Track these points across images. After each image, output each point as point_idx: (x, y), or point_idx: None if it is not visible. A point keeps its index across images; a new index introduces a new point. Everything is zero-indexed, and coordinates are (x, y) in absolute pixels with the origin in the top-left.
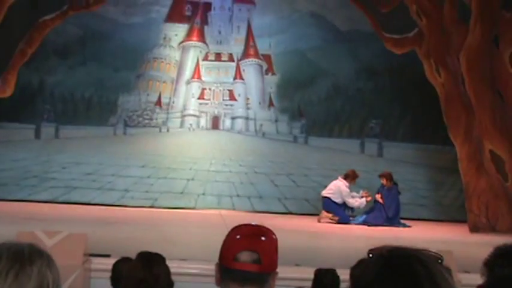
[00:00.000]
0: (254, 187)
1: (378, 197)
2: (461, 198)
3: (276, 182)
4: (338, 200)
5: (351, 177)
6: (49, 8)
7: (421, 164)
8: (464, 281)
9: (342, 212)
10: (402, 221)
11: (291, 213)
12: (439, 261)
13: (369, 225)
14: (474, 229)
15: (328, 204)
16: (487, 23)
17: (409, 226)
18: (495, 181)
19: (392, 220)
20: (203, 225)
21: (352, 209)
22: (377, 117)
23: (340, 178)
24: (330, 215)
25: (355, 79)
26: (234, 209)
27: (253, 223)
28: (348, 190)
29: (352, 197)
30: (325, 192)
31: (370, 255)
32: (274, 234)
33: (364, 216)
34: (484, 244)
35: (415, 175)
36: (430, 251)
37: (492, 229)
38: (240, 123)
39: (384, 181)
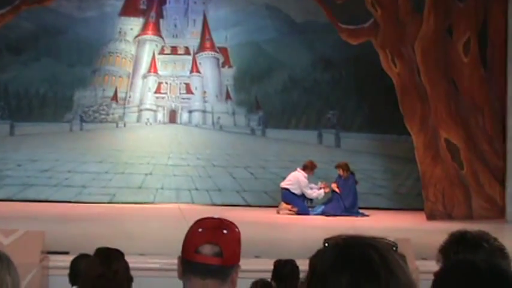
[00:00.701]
0: (212, 180)
1: (334, 186)
2: (418, 187)
3: (234, 174)
4: (297, 191)
5: (309, 168)
6: (0, 2)
7: (378, 154)
8: (422, 267)
9: (300, 203)
10: (360, 211)
11: (249, 205)
12: (394, 248)
13: (327, 216)
14: (431, 217)
15: (287, 196)
16: (440, 13)
17: (367, 215)
18: (451, 169)
19: (350, 210)
20: (162, 220)
21: (310, 200)
22: (334, 108)
23: (298, 169)
24: (289, 206)
25: (312, 70)
26: (192, 203)
27: (215, 216)
28: (306, 181)
29: (311, 188)
30: (283, 184)
31: (326, 244)
32: (236, 227)
33: (322, 207)
34: (441, 231)
35: (372, 165)
36: (384, 239)
37: (448, 216)
38: (197, 117)
39: (340, 171)
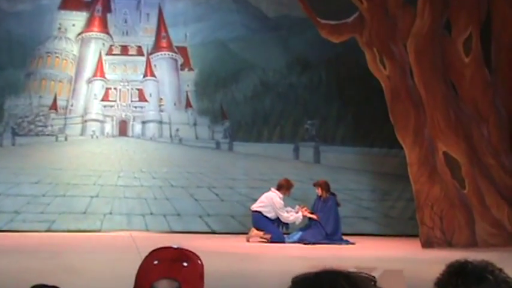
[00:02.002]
0: (170, 203)
1: (306, 212)
2: (411, 209)
3: (196, 196)
4: (270, 215)
5: (284, 187)
6: None
7: (364, 171)
8: None
9: (275, 229)
10: (344, 238)
11: (214, 232)
12: (372, 283)
13: (306, 244)
14: (427, 244)
15: (259, 220)
16: (437, 5)
17: (352, 243)
18: (450, 188)
19: (332, 236)
20: (111, 251)
21: (286, 225)
22: (313, 117)
23: (272, 189)
24: (261, 233)
25: (287, 73)
26: (147, 230)
27: (174, 246)
28: (282, 202)
29: (287, 211)
30: (255, 206)
31: (293, 282)
32: (199, 259)
33: (300, 233)
34: (439, 261)
35: (358, 183)
36: (362, 272)
37: (448, 244)
38: (152, 129)
39: (319, 191)
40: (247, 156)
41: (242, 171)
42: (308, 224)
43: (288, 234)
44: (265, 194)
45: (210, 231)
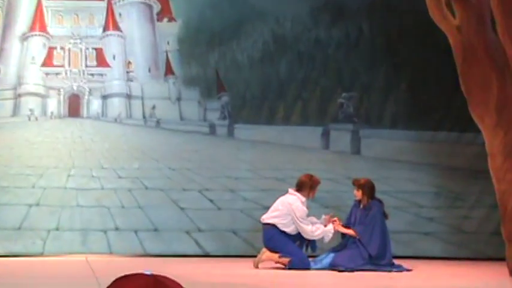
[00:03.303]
0: (144, 213)
1: (339, 225)
2: (494, 220)
3: (181, 203)
4: (289, 229)
5: (307, 187)
6: None
7: (424, 165)
8: None
9: (295, 250)
10: (396, 262)
11: (208, 255)
12: None
13: (340, 271)
14: None
15: (273, 237)
16: None
17: (407, 270)
18: None
19: (379, 260)
20: (58, 282)
21: (312, 243)
22: (349, 88)
23: (291, 191)
24: (276, 256)
25: (312, 25)
26: (110, 253)
27: (147, 272)
28: (305, 210)
29: (312, 223)
30: (267, 217)
31: None
32: None
33: (331, 256)
34: None
35: (415, 183)
36: None
37: None
38: (116, 106)
39: (358, 194)
40: (254, 144)
41: (247, 167)
42: (343, 243)
43: (315, 257)
44: (281, 199)
45: (201, 253)
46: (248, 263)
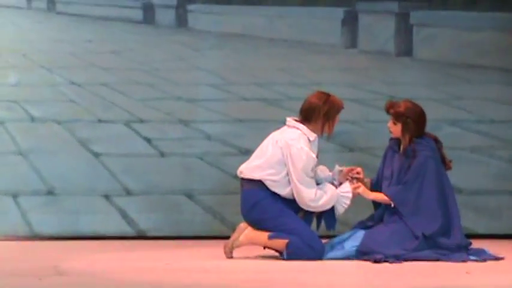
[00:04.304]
0: (28, 163)
1: (361, 187)
2: None
3: (93, 144)
4: (285, 191)
5: (320, 113)
6: None
7: None
8: None
9: (297, 225)
10: (473, 245)
11: (144, 236)
12: None
13: (375, 262)
14: None
15: (258, 203)
16: None
17: (498, 258)
18: None
19: (440, 242)
20: None
21: (327, 215)
22: None
23: (291, 122)
24: (264, 236)
25: None
26: None
27: None
28: (311, 156)
29: (317, 181)
30: (248, 169)
31: None
32: None
33: (360, 235)
34: None
35: (506, 109)
36: None
37: None
38: None
39: (395, 130)
40: (223, 40)
41: (211, 80)
42: (378, 215)
43: (332, 238)
44: (273, 136)
45: (132, 233)
46: (215, 248)
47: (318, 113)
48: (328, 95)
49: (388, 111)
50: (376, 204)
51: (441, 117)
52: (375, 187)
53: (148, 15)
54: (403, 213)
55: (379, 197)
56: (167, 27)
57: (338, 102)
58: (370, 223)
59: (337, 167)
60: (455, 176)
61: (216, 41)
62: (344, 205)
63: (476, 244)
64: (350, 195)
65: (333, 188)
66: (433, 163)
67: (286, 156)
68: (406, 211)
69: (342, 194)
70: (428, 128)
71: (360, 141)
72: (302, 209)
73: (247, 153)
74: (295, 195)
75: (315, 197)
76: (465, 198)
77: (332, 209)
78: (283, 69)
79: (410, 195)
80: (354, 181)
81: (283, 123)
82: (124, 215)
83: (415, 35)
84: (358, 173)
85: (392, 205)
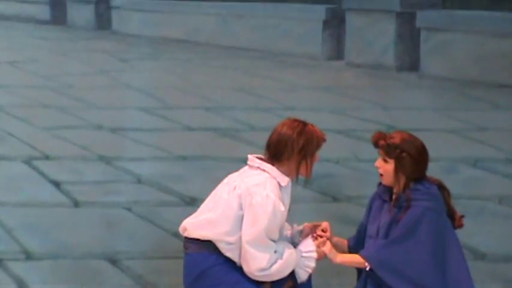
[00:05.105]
0: None
1: (327, 248)
2: None
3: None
4: (229, 252)
5: (295, 148)
6: None
7: None
8: None
9: None
10: None
11: None
12: None
13: None
14: None
15: (206, 273)
16: None
17: None
18: None
19: None
20: None
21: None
22: None
23: (253, 159)
24: None
25: None
26: None
27: None
28: (280, 211)
29: (291, 237)
30: (194, 226)
31: None
32: None
33: None
34: None
35: None
36: None
37: None
38: None
39: (384, 170)
40: (158, 48)
41: (144, 100)
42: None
43: None
44: (230, 180)
45: None
46: None
47: (291, 149)
48: (304, 124)
49: (376, 145)
50: (359, 271)
51: (457, 155)
52: (354, 250)
53: (58, 12)
54: (385, 280)
55: (351, 259)
56: (84, 29)
57: (318, 133)
58: None
59: (296, 227)
60: (475, 236)
61: (150, 48)
62: (307, 269)
63: None
64: (314, 254)
65: (291, 247)
66: (433, 217)
67: (244, 207)
68: (388, 276)
69: (303, 254)
70: (441, 170)
71: (346, 188)
72: (268, 281)
73: (192, 203)
74: (240, 258)
75: (266, 265)
76: (490, 266)
77: (309, 283)
78: (242, 89)
79: (394, 257)
80: (321, 243)
81: (244, 161)
82: (22, 287)
83: (422, 43)
84: (324, 230)
85: (368, 268)
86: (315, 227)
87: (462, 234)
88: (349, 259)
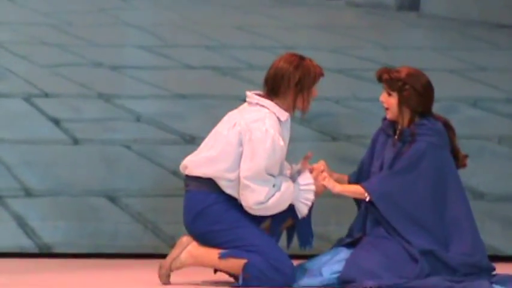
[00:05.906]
0: None
1: (328, 182)
2: None
3: None
4: (229, 189)
5: (292, 83)
6: None
7: None
8: None
9: (259, 240)
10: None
11: (49, 253)
12: None
13: None
14: None
15: (206, 210)
16: None
17: None
18: None
19: (449, 262)
20: None
21: (301, 226)
22: None
23: (252, 96)
24: (215, 254)
25: None
26: None
27: None
28: (279, 145)
29: (289, 172)
30: (194, 163)
31: None
32: None
33: (341, 255)
34: None
35: None
36: None
37: None
38: None
39: (389, 103)
40: None
41: (143, 39)
42: (357, 225)
43: (310, 257)
44: (229, 117)
45: (34, 249)
46: (146, 270)
47: (287, 82)
48: (301, 58)
49: (380, 79)
50: (358, 203)
51: (458, 95)
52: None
53: None
54: (383, 213)
55: (351, 189)
56: None
57: (315, 68)
58: (355, 234)
59: (294, 166)
60: (475, 176)
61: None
62: (306, 202)
63: (502, 269)
64: (313, 187)
65: (288, 180)
66: (436, 153)
67: (244, 143)
68: (387, 209)
69: (302, 187)
70: (440, 110)
71: (346, 127)
72: (268, 218)
73: (192, 141)
74: (239, 192)
75: (264, 199)
76: (488, 206)
77: (308, 219)
78: (242, 27)
79: (395, 189)
80: (322, 176)
81: (243, 100)
82: (22, 224)
83: None
84: (322, 170)
85: (368, 199)
86: (306, 158)
87: (462, 174)
88: (348, 189)
